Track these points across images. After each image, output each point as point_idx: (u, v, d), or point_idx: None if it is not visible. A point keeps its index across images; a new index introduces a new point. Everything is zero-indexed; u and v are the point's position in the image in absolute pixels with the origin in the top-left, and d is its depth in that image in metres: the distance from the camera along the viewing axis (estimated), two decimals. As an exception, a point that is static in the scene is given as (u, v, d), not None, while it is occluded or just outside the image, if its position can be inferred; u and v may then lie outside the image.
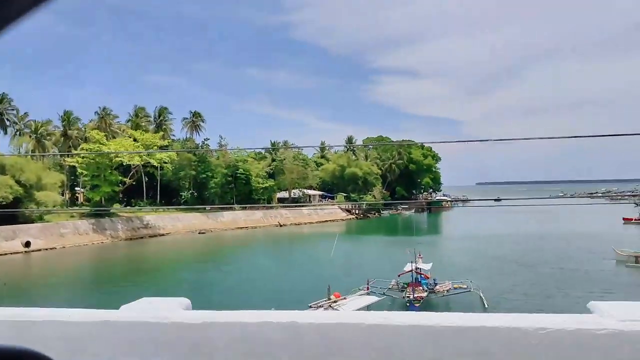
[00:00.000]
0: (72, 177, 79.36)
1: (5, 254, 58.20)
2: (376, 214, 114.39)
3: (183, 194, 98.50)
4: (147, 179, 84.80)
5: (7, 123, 79.71)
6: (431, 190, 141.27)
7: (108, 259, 58.97)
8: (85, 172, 73.37)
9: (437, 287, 29.04)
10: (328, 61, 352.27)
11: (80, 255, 60.38)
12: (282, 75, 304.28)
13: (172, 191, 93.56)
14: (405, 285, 29.42)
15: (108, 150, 71.22)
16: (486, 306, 26.24)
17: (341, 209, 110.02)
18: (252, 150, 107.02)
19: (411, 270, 29.25)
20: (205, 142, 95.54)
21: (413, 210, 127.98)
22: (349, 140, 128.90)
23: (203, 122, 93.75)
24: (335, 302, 23.97)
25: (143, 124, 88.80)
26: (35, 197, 67.83)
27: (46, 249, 62.27)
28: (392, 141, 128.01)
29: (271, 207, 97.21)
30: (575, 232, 66.69)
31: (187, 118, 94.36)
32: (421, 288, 28.46)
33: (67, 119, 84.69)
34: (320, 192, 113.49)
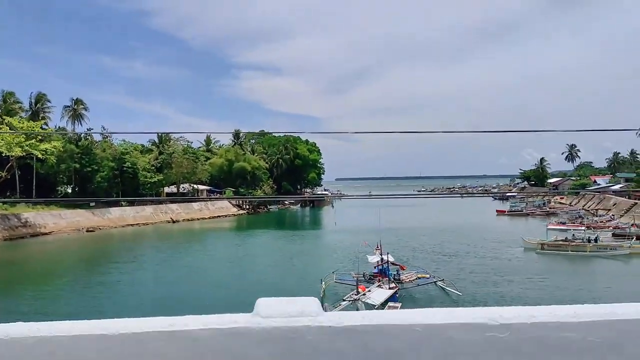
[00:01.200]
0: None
1: None
2: (264, 208, 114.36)
3: (60, 188, 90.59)
4: (19, 172, 76.51)
5: None
6: (314, 185, 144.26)
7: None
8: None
9: (403, 277, 30.20)
10: (188, 53, 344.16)
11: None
12: (139, 65, 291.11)
13: (49, 186, 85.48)
14: (371, 277, 30.26)
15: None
16: (460, 294, 27.82)
17: (231, 203, 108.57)
18: (131, 141, 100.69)
19: (386, 262, 30.17)
20: (88, 133, 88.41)
21: (299, 205, 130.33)
22: (237, 133, 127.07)
23: (86, 110, 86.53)
24: (363, 294, 23.94)
25: (15, 110, 79.73)
26: None
27: None
28: (269, 132, 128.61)
29: (160, 202, 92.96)
30: (463, 225, 72.55)
31: (68, 106, 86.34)
32: (387, 279, 29.41)
33: None
34: (208, 187, 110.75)
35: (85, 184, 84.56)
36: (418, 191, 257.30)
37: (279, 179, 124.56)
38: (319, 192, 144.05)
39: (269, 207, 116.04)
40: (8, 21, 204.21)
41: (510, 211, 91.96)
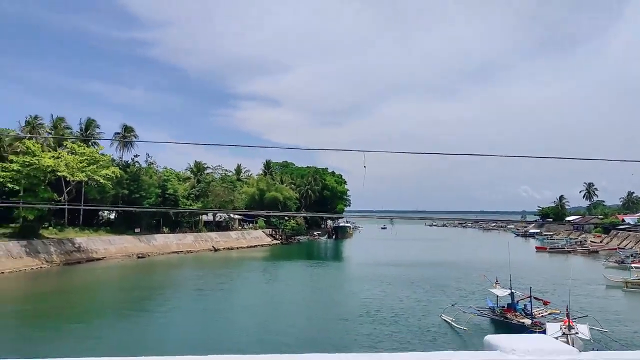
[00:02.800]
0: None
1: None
2: (295, 239, 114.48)
3: (102, 214, 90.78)
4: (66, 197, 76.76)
5: None
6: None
7: (63, 286, 52.55)
8: (16, 187, 64.74)
9: (535, 312, 30.49)
10: (187, 82, 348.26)
11: (25, 283, 53.01)
12: (136, 93, 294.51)
13: (93, 211, 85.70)
14: (501, 311, 30.66)
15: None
16: (606, 331, 28.01)
17: (265, 233, 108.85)
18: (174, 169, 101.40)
19: (529, 297, 30.51)
20: (136, 160, 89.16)
21: (326, 236, 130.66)
22: (267, 164, 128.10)
23: (135, 137, 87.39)
24: (570, 328, 23.30)
25: (66, 136, 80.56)
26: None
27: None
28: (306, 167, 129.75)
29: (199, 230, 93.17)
30: (515, 261, 72.42)
31: (118, 133, 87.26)
32: (517, 313, 29.81)
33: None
34: (240, 216, 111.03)
35: (126, 210, 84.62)
36: (430, 225, 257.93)
37: (307, 210, 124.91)
38: (341, 224, 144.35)
39: (299, 238, 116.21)
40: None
41: (552, 248, 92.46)
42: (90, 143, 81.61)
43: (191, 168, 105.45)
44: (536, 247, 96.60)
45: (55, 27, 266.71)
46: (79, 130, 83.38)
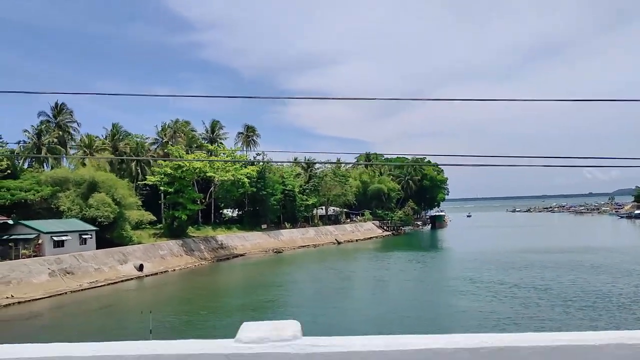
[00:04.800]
0: (143, 196, 73.36)
1: (130, 278, 52.87)
2: (402, 230, 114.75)
3: (225, 212, 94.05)
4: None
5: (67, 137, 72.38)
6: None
7: (238, 281, 55.01)
8: (169, 190, 68.13)
9: None
10: (240, 82, 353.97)
11: (195, 279, 55.70)
12: (197, 98, 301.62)
13: (217, 210, 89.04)
14: None
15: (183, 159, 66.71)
16: None
17: (375, 225, 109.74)
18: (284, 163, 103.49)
19: None
20: (258, 157, 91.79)
21: (428, 226, 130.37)
22: (367, 156, 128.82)
23: (258, 137, 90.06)
24: None
25: (196, 137, 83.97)
26: (128, 217, 62.34)
27: (156, 273, 57.04)
28: (407, 160, 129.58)
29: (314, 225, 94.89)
30: (630, 248, 69.69)
31: (241, 132, 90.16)
32: None
33: (116, 132, 78.77)
34: (345, 209, 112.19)
35: (257, 207, 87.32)
36: (513, 211, 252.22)
37: (408, 200, 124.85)
38: (437, 213, 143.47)
39: (404, 228, 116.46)
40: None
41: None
42: (217, 143, 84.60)
43: (302, 164, 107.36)
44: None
45: (111, 38, 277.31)
46: (205, 132, 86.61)
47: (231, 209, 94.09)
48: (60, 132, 70.21)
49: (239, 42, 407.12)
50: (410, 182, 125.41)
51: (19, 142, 68.54)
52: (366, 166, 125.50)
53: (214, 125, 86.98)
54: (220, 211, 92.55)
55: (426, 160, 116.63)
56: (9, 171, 60.74)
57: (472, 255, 65.68)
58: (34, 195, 56.39)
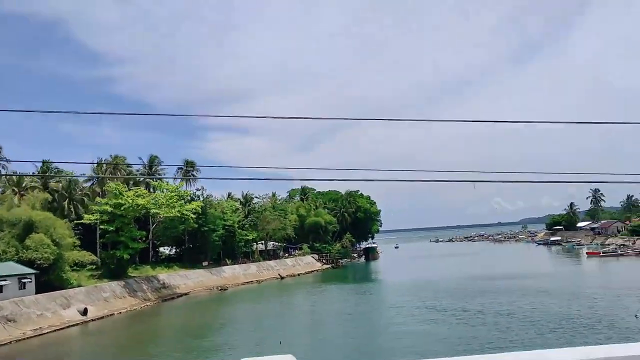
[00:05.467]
0: (77, 235, 69.43)
1: (75, 324, 49.75)
2: (339, 263, 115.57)
3: (162, 249, 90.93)
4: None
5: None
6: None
7: (192, 323, 53.13)
8: (109, 228, 65.14)
9: None
10: (155, 117, 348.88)
11: (144, 322, 53.49)
12: (106, 131, 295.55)
13: (153, 247, 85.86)
14: None
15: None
16: None
17: (314, 259, 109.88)
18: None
19: None
20: (200, 193, 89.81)
21: (363, 258, 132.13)
22: (303, 190, 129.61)
23: (198, 172, 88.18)
24: None
25: (135, 174, 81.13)
26: (67, 258, 58.86)
27: (101, 317, 54.02)
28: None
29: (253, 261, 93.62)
30: (565, 272, 74.85)
31: (181, 167, 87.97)
32: None
33: (47, 169, 74.73)
34: (284, 244, 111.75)
35: (197, 243, 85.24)
36: (437, 241, 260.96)
37: (343, 233, 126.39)
38: (370, 245, 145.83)
39: (341, 261, 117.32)
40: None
41: (606, 253, 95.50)
42: (154, 179, 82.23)
43: (239, 199, 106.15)
44: (587, 253, 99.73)
45: (21, 71, 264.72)
46: (142, 167, 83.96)
47: (168, 246, 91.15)
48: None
49: (151, 77, 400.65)
50: (346, 214, 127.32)
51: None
52: (302, 199, 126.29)
53: (152, 161, 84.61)
54: (157, 249, 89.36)
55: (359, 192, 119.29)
56: None
57: (415, 285, 67.28)
58: (-37, 238, 52.14)
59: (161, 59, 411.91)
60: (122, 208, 64.98)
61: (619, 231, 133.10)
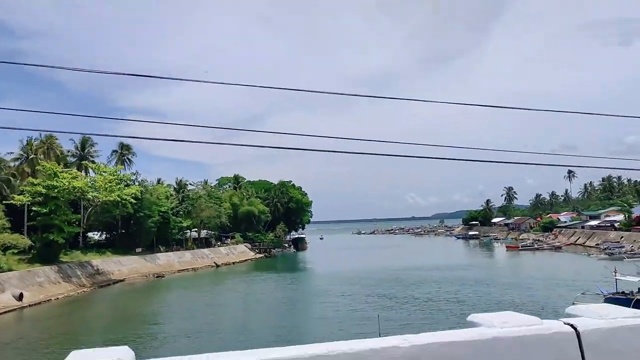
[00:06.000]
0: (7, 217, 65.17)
1: (12, 309, 47.16)
2: (271, 252, 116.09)
3: (90, 234, 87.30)
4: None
5: None
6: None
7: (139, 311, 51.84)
8: (42, 210, 61.77)
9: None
10: (67, 95, 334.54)
11: (83, 308, 51.76)
12: (13, 106, 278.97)
13: (83, 233, 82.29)
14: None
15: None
16: None
17: (247, 247, 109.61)
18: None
19: None
20: (136, 177, 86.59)
21: (292, 248, 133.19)
22: (236, 178, 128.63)
23: (134, 155, 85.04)
24: None
25: (65, 155, 77.29)
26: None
27: (39, 303, 51.48)
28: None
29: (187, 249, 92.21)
30: (491, 263, 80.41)
31: (115, 150, 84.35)
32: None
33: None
34: (216, 232, 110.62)
35: (130, 229, 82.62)
36: (359, 233, 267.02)
37: (276, 222, 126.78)
38: (298, 236, 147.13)
39: (273, 251, 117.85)
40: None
41: (524, 247, 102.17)
42: (89, 161, 78.92)
43: (173, 185, 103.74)
44: (507, 247, 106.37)
45: None
46: (75, 149, 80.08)
47: (98, 231, 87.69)
48: None
49: (64, 53, 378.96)
50: (278, 204, 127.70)
51: None
52: (235, 188, 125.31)
53: (85, 142, 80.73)
54: (86, 234, 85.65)
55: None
56: None
57: (347, 275, 68.00)
58: None
59: (75, 35, 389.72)
60: (56, 190, 61.83)
61: (531, 227, 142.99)
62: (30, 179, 64.16)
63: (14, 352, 32.62)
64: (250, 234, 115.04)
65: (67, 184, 61.46)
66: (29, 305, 49.72)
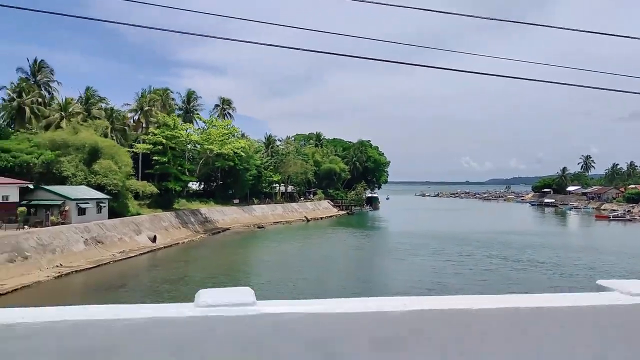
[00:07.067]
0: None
1: (152, 249, 51.42)
2: (351, 210, 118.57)
3: (190, 186, 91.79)
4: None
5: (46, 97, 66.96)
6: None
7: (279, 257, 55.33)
8: (162, 159, 65.83)
9: None
10: (123, 46, 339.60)
11: (219, 251, 55.42)
12: (73, 57, 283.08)
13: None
14: None
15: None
16: None
17: (330, 204, 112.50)
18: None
19: None
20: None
21: (368, 207, 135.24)
22: (318, 136, 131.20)
23: (234, 110, 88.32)
24: None
25: (172, 107, 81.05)
26: (130, 186, 59.87)
27: (170, 245, 55.66)
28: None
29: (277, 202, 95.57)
30: (588, 232, 79.69)
31: (217, 105, 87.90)
32: None
33: (90, 96, 74.19)
34: (300, 188, 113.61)
35: (229, 180, 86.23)
36: (423, 195, 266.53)
37: (353, 181, 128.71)
38: (372, 195, 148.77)
39: (353, 209, 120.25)
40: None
41: (615, 217, 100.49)
42: (194, 115, 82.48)
43: (262, 140, 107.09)
44: (596, 216, 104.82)
45: None
46: (182, 102, 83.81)
47: (196, 182, 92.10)
48: (42, 92, 65.03)
49: (123, 4, 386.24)
50: (357, 163, 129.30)
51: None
52: (316, 145, 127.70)
53: (190, 96, 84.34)
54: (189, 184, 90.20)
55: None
56: (-4, 131, 56.00)
57: (439, 236, 69.05)
58: (37, 158, 52.44)
59: None
60: (174, 140, 65.58)
61: (613, 198, 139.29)
62: (152, 128, 68.03)
63: (156, 289, 35.43)
64: (331, 191, 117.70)
65: (185, 135, 64.98)
66: (162, 248, 53.88)
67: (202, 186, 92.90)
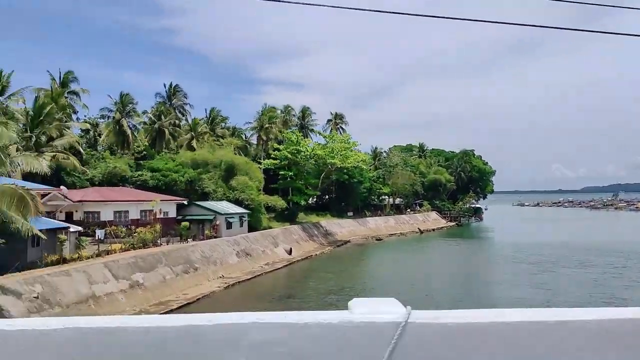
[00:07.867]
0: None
1: (292, 262, 53.05)
2: (461, 221, 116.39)
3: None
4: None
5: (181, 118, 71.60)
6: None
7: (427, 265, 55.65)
8: (288, 174, 68.16)
9: None
10: (210, 68, 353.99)
11: (357, 264, 56.24)
12: (167, 80, 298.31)
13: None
14: None
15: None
16: None
17: (438, 216, 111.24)
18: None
19: None
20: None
21: (473, 219, 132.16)
22: (421, 147, 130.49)
23: (346, 124, 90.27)
24: None
25: (289, 123, 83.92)
26: (262, 201, 62.36)
27: (305, 258, 57.11)
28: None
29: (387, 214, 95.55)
30: None
31: (330, 120, 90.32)
32: None
33: (215, 116, 78.30)
34: (407, 200, 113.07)
35: (343, 193, 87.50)
36: (521, 205, 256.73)
37: (458, 191, 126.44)
38: (476, 206, 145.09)
39: (462, 220, 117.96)
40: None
41: None
42: (309, 130, 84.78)
43: (368, 153, 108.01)
44: None
45: (87, 21, 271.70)
46: (297, 119, 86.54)
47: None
48: (177, 114, 69.55)
49: (208, 29, 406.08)
50: (462, 173, 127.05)
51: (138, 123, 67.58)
52: (420, 156, 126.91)
53: (304, 112, 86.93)
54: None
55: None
56: (144, 152, 60.42)
57: (567, 245, 66.60)
58: (182, 176, 56.01)
59: (216, 12, 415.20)
60: (299, 155, 67.66)
61: None
62: (272, 144, 70.69)
63: (324, 300, 36.40)
64: (437, 202, 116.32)
65: (310, 150, 66.92)
66: (299, 260, 55.44)
67: (315, 199, 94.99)
